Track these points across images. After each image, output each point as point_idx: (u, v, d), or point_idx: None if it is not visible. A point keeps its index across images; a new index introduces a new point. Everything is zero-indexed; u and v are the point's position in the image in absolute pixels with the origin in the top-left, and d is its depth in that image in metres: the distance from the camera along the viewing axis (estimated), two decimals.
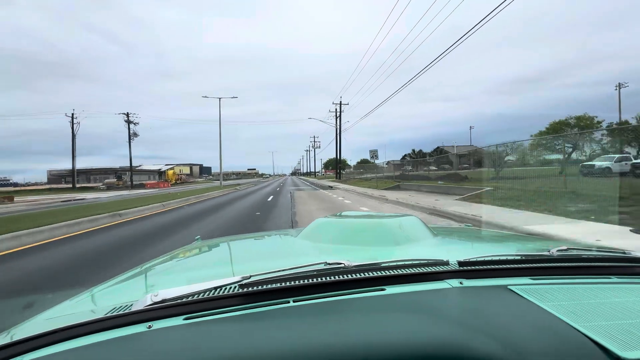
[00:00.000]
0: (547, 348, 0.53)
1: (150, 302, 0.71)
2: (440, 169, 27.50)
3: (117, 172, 51.53)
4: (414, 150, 78.82)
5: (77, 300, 1.01)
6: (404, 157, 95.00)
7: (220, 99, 31.91)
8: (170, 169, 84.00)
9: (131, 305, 0.77)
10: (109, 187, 45.24)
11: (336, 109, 45.14)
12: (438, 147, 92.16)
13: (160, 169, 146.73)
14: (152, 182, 49.86)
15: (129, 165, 45.28)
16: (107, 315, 0.72)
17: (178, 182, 63.68)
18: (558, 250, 0.98)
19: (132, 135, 46.33)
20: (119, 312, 0.73)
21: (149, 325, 0.65)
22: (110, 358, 0.57)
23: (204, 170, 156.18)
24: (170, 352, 0.56)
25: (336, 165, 50.04)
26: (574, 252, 1.01)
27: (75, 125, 41.15)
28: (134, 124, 45.87)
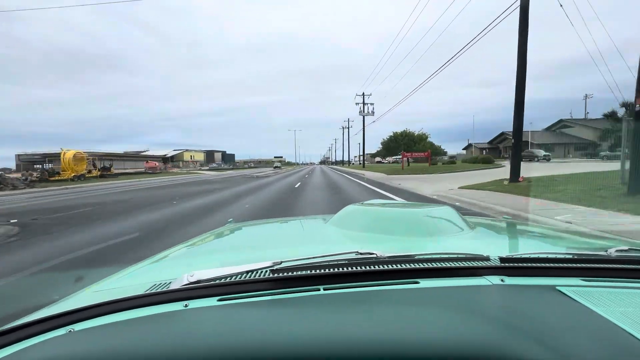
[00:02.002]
0: (603, 357, 0.48)
1: (187, 282, 0.73)
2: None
3: None
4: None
5: (121, 275, 1.06)
6: (502, 135, 60.49)
7: None
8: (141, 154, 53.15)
9: (169, 283, 0.79)
10: None
11: None
12: (561, 120, 56.39)
13: (165, 155, 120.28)
14: None
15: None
16: (149, 292, 0.75)
17: (92, 174, 32.46)
18: (617, 251, 0.87)
19: None
20: (159, 290, 0.76)
21: (186, 304, 0.67)
22: (151, 333, 0.59)
23: (227, 157, 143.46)
24: (205, 331, 0.58)
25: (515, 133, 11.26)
26: (637, 254, 0.88)
27: None
28: None
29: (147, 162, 56.06)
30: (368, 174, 26.06)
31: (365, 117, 42.97)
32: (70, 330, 0.61)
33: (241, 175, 31.25)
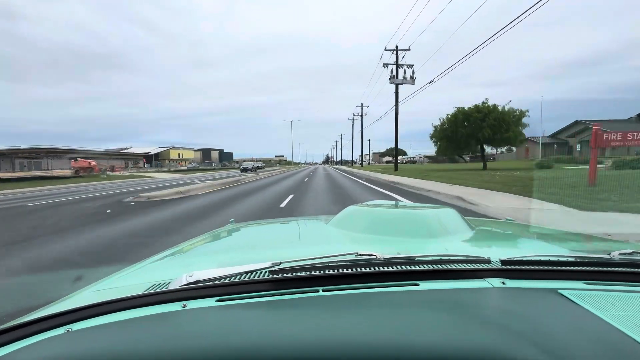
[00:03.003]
0: None
1: (186, 282, 0.73)
2: None
3: None
4: None
5: (121, 275, 1.05)
6: (576, 124, 42.89)
7: None
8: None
9: (168, 283, 0.79)
10: None
11: None
12: None
13: (148, 153, 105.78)
14: None
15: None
16: (147, 292, 0.75)
17: None
18: (620, 254, 0.85)
19: None
20: (158, 290, 0.76)
21: (184, 305, 0.67)
22: (148, 333, 0.58)
23: (225, 157, 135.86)
24: (202, 332, 0.57)
25: None
26: None
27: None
28: None
29: (75, 160, 39.17)
30: (483, 201, 7.90)
31: (399, 86, 25.97)
32: (68, 330, 0.60)
33: (148, 188, 14.87)
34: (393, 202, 1.87)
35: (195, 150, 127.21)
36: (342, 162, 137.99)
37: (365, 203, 1.80)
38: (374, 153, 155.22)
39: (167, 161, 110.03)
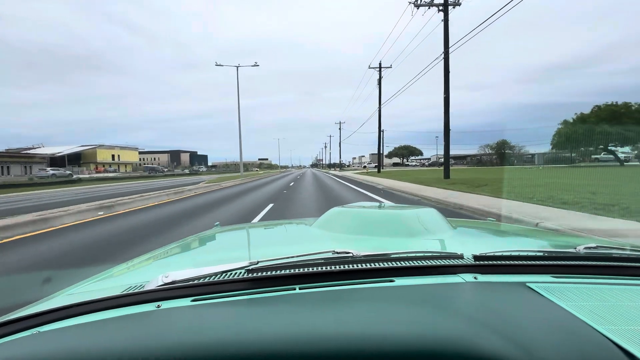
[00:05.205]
0: (566, 351, 0.49)
1: (161, 283, 0.73)
2: None
3: None
4: None
5: (99, 278, 1.04)
6: None
7: None
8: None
9: (144, 285, 0.79)
10: None
11: None
12: None
13: (59, 153, 68.20)
14: None
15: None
16: (121, 293, 0.74)
17: None
18: (585, 248, 0.90)
19: None
20: (132, 291, 0.75)
21: (158, 305, 0.67)
22: (120, 333, 0.58)
23: (198, 159, 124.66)
24: (176, 331, 0.57)
25: None
26: (604, 251, 0.93)
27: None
28: None
29: None
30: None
31: None
32: (36, 332, 0.60)
33: None
34: (377, 204, 1.89)
35: (139, 153, 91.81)
36: (341, 166, 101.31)
37: (349, 205, 1.81)
38: (371, 154, 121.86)
39: (92, 165, 75.63)
